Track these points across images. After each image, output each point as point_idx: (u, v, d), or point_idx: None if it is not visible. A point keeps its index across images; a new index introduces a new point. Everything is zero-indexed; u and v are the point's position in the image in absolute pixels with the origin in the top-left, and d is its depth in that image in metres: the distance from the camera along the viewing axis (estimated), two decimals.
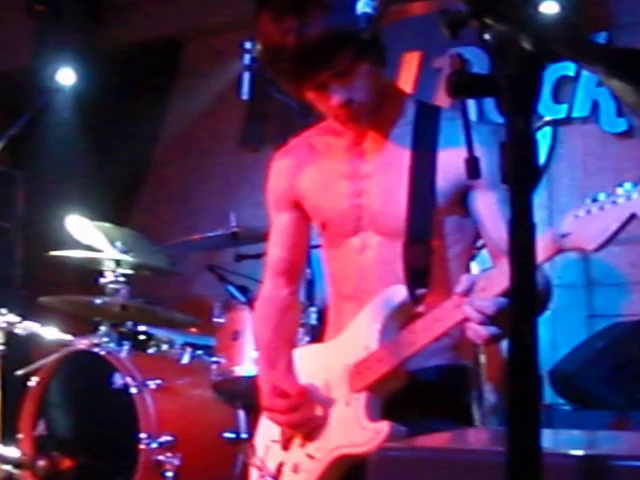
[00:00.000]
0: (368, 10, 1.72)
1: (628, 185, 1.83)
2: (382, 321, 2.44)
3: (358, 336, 2.50)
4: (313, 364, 2.64)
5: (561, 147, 5.81)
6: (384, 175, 2.54)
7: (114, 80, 6.60)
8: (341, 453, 2.48)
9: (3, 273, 6.46)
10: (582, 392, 4.86)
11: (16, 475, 4.93)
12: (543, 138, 5.81)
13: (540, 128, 5.60)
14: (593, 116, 5.64)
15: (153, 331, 4.96)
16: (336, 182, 2.61)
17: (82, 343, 4.65)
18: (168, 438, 4.24)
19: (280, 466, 2.64)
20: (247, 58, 4.35)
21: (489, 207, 2.45)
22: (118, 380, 4.38)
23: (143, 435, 4.20)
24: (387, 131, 2.56)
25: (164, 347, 4.85)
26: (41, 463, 4.44)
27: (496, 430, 2.27)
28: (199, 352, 4.64)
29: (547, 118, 5.63)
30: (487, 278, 2.18)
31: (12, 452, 4.70)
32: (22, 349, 5.23)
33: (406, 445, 1.84)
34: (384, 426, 2.38)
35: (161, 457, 4.21)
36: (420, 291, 2.44)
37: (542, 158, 5.81)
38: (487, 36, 1.31)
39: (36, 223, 6.48)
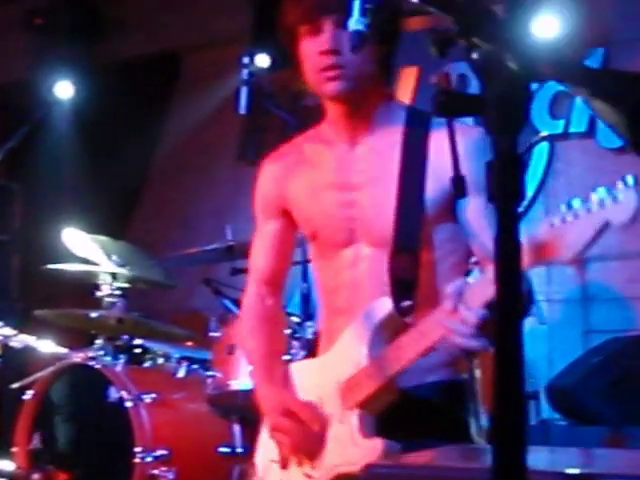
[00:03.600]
0: (360, 28, 1.71)
1: (602, 191, 1.78)
2: (369, 336, 2.40)
3: (347, 352, 2.47)
4: (307, 380, 2.61)
5: (558, 162, 5.81)
6: (375, 185, 2.51)
7: (112, 94, 6.61)
8: (337, 472, 2.45)
9: None
10: (578, 407, 4.85)
11: None
12: (540, 154, 5.82)
13: (537, 143, 5.61)
14: (590, 131, 5.65)
15: (149, 345, 4.95)
16: (326, 192, 2.57)
17: (78, 356, 4.65)
18: (163, 452, 4.23)
19: None
20: (245, 73, 4.35)
21: (476, 212, 2.40)
22: (113, 394, 4.37)
23: (138, 449, 4.19)
24: (377, 140, 2.53)
25: (160, 361, 4.84)
26: (36, 477, 4.43)
27: (485, 447, 2.25)
28: (195, 366, 4.63)
29: (544, 133, 5.64)
30: (470, 289, 2.14)
31: (7, 466, 4.69)
32: (18, 362, 5.22)
33: (394, 463, 1.84)
34: (377, 443, 2.35)
35: (156, 471, 4.20)
36: (406, 303, 2.40)
37: (539, 173, 5.82)
38: (475, 55, 1.31)
39: (33, 236, 6.48)
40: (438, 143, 2.43)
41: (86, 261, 4.90)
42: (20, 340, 4.95)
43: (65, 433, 4.60)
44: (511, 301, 1.30)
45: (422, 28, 6.24)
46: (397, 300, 2.41)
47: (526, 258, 1.93)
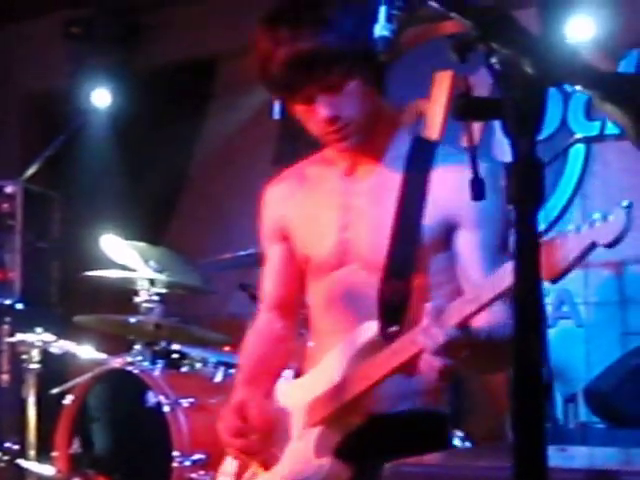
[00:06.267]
0: (385, 33, 1.71)
1: (597, 214, 1.78)
2: (348, 357, 2.36)
3: (325, 372, 2.43)
4: (286, 398, 2.58)
5: (594, 164, 5.79)
6: (374, 208, 2.46)
7: (149, 101, 6.66)
8: None
9: (39, 292, 6.51)
10: (616, 410, 4.83)
11: None
12: (576, 156, 5.80)
13: (572, 145, 5.59)
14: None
15: (187, 350, 4.98)
16: (325, 214, 2.53)
17: (116, 362, 4.68)
18: (201, 456, 4.25)
19: None
20: None
21: (468, 246, 2.37)
22: (151, 398, 4.39)
23: (176, 453, 4.21)
24: (379, 163, 2.48)
25: (197, 366, 4.86)
26: None
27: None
28: (232, 371, 4.65)
29: (579, 135, 5.63)
30: (449, 309, 2.09)
31: (47, 470, 4.74)
32: (57, 368, 5.27)
33: (418, 461, 1.85)
34: (325, 464, 2.34)
35: (194, 475, 4.22)
36: (392, 329, 2.34)
37: (575, 176, 5.80)
38: (493, 60, 1.34)
39: (72, 243, 6.54)
40: (441, 174, 2.40)
41: (124, 267, 4.94)
42: (59, 346, 5.00)
43: (104, 438, 4.64)
44: (530, 310, 1.31)
45: (455, 32, 6.26)
46: (384, 325, 2.36)
47: (508, 278, 1.89)
